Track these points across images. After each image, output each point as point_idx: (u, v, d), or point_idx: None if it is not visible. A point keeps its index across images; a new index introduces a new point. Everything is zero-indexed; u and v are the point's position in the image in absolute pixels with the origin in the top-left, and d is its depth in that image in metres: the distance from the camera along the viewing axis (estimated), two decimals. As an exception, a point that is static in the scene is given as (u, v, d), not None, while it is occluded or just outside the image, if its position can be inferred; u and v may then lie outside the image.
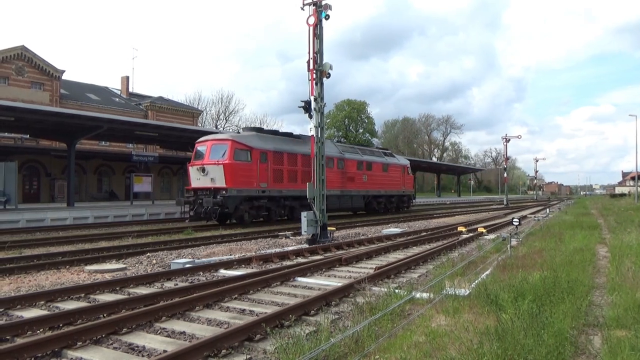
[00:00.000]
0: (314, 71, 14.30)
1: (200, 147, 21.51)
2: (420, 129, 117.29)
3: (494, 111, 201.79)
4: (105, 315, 5.97)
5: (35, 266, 10.06)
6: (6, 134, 36.42)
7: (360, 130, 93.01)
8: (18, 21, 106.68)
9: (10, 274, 9.38)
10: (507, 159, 56.77)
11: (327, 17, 14.45)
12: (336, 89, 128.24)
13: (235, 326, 5.15)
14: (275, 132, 24.97)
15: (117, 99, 52.22)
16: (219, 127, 65.90)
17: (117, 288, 7.78)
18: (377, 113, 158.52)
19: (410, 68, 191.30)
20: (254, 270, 9.45)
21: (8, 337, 5.13)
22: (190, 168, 21.40)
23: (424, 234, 16.87)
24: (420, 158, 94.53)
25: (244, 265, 10.14)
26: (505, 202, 50.14)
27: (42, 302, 6.80)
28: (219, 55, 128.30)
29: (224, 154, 20.32)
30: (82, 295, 7.29)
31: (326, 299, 6.52)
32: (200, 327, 5.59)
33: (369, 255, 11.27)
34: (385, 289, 6.83)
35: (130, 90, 56.79)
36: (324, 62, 14.44)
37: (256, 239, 15.57)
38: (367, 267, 9.76)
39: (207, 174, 20.33)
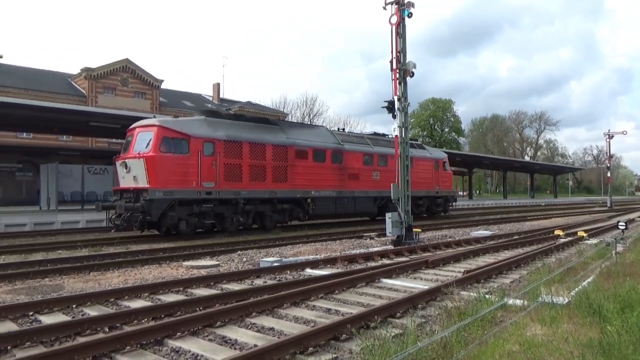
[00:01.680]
0: (397, 70, 14.14)
1: (128, 137, 16.61)
2: (511, 127, 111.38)
3: (596, 105, 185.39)
4: (201, 308, 6.34)
5: (139, 261, 10.96)
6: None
7: (446, 130, 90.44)
8: (122, 36, 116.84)
9: (119, 267, 10.31)
10: (611, 157, 52.04)
11: (410, 15, 14.24)
12: (420, 87, 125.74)
13: (322, 325, 5.24)
14: (238, 117, 20.26)
15: (210, 105, 55.28)
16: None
17: (212, 283, 8.23)
18: (463, 111, 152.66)
19: (501, 62, 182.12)
20: (339, 270, 9.54)
21: (118, 325, 5.64)
22: (115, 163, 16.92)
23: (517, 237, 15.99)
24: (512, 157, 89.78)
25: (329, 265, 10.28)
26: (609, 204, 46.02)
27: (146, 294, 7.38)
28: (303, 58, 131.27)
29: (147, 144, 15.52)
30: (181, 289, 7.82)
31: (412, 302, 6.42)
32: (287, 324, 5.76)
33: (456, 258, 10.92)
34: (475, 294, 6.57)
35: (221, 96, 59.93)
36: (407, 60, 14.23)
37: (341, 240, 15.70)
38: (454, 271, 9.46)
39: (129, 171, 15.74)
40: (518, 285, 8.05)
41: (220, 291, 7.65)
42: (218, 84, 60.34)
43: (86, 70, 44.43)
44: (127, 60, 47.01)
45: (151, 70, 53.81)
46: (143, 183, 15.25)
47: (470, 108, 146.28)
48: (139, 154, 15.53)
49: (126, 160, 15.90)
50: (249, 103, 58.74)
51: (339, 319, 5.47)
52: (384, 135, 26.75)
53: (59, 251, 12.95)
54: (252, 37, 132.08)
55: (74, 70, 47.66)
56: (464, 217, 28.32)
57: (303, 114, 71.66)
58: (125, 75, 46.81)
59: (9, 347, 4.83)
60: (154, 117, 18.44)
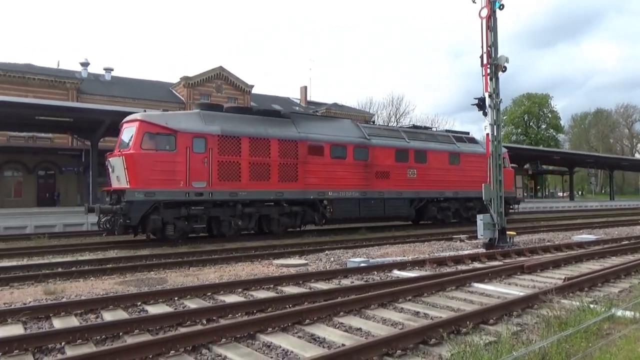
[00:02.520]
0: (488, 66, 13.53)
1: (121, 133, 15.46)
2: (618, 122, 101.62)
3: None
4: (290, 305, 6.54)
5: (233, 258, 11.53)
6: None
7: (543, 126, 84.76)
8: (216, 44, 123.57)
9: (215, 264, 10.93)
10: None
11: (502, 7, 13.57)
12: (514, 83, 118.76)
13: (410, 328, 5.17)
14: (242, 110, 18.05)
15: (297, 107, 56.66)
16: (389, 129, 66.53)
17: (300, 282, 8.44)
18: (563, 106, 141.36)
19: (606, 52, 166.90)
20: (428, 272, 9.34)
21: (214, 318, 5.98)
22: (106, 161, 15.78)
23: (626, 242, 14.58)
24: (619, 155, 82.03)
25: (417, 267, 10.09)
26: None
27: (240, 290, 7.74)
28: (389, 57, 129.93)
29: (129, 140, 14.50)
30: (272, 286, 8.11)
31: (507, 309, 6.11)
32: (375, 325, 5.74)
33: (556, 264, 10.20)
34: (578, 303, 6.10)
35: (308, 98, 61.18)
36: (498, 55, 13.57)
37: (429, 241, 15.34)
38: (553, 277, 8.85)
39: (113, 170, 14.94)
40: (628, 295, 7.34)
41: (309, 290, 7.82)
42: (305, 87, 61.70)
43: (185, 79, 47.60)
44: (220, 67, 49.64)
45: (242, 76, 56.40)
46: (124, 183, 14.25)
47: (571, 103, 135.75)
48: (120, 151, 14.62)
49: (110, 159, 15.06)
50: (335, 104, 59.36)
51: (429, 323, 5.36)
52: (426, 128, 24.66)
53: (163, 247, 14.01)
54: (338, 39, 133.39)
55: (174, 79, 51.33)
56: (565, 220, 26.37)
57: (389, 114, 71.05)
58: (219, 82, 49.48)
59: (120, 334, 5.32)
60: (144, 111, 16.73)
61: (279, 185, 16.42)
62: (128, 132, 14.75)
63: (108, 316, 6.21)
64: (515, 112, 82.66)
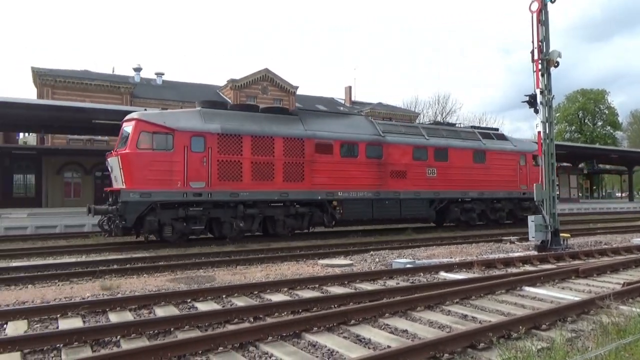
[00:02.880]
0: (539, 61, 13.04)
1: (121, 132, 15.24)
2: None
3: None
4: (335, 306, 6.55)
5: (279, 257, 11.68)
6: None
7: (599, 124, 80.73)
8: (262, 47, 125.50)
9: (262, 262, 11.11)
10: None
11: (553, 0, 13.07)
12: (567, 78, 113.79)
13: (458, 331, 5.06)
14: (247, 107, 17.41)
15: (342, 108, 56.66)
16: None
17: (345, 282, 8.44)
18: (620, 102, 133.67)
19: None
20: (476, 275, 9.12)
21: (261, 316, 6.08)
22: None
23: (693, 246, 13.66)
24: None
25: (465, 269, 9.87)
26: None
27: (285, 289, 7.83)
28: (434, 54, 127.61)
29: (126, 139, 14.32)
30: (317, 285, 8.15)
31: (561, 314, 5.87)
32: (421, 327, 5.66)
33: (614, 268, 9.70)
34: (638, 310, 5.78)
35: (353, 98, 61.05)
36: (550, 50, 13.06)
37: (477, 243, 14.97)
38: (611, 282, 8.42)
39: (112, 171, 14.83)
40: (696, 302, 6.88)
41: (354, 290, 7.81)
42: (350, 87, 61.62)
43: (231, 81, 48.65)
44: (266, 70, 50.38)
45: (287, 78, 57.02)
46: (120, 184, 14.07)
47: (629, 98, 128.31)
48: (116, 151, 14.50)
49: (108, 159, 14.88)
50: (379, 104, 58.95)
51: (477, 326, 5.24)
52: (450, 124, 23.51)
53: (211, 245, 14.37)
54: (381, 39, 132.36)
55: (221, 82, 52.58)
56: (623, 222, 25.04)
57: (435, 112, 69.79)
58: (264, 83, 50.23)
59: (171, 329, 5.51)
60: (145, 110, 16.68)
61: (283, 185, 15.87)
62: (125, 132, 14.57)
63: (160, 312, 6.44)
64: (569, 108, 79.18)
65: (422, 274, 9.27)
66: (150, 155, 13.96)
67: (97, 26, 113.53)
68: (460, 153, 20.24)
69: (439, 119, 63.68)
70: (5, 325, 5.88)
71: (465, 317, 6.11)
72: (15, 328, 5.77)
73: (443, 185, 19.50)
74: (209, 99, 18.20)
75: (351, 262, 11.06)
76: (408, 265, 9.92)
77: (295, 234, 17.06)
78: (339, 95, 62.89)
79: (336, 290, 7.86)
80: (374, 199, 17.70)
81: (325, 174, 16.71)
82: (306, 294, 7.56)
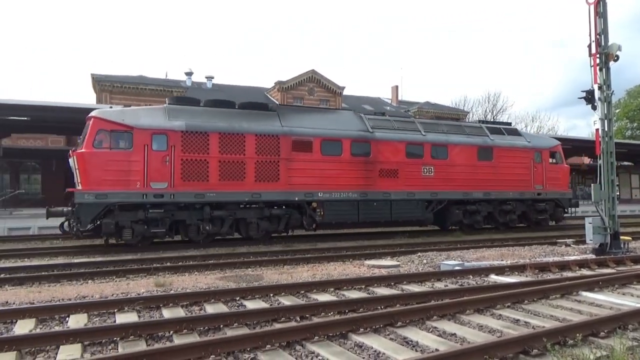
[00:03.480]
0: (597, 55, 12.41)
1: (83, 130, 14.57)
2: None
3: None
4: (382, 307, 6.51)
5: (326, 257, 11.74)
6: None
7: (666, 119, 75.77)
8: (308, 49, 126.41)
9: (308, 262, 11.20)
10: None
11: (616, -10, 12.42)
12: (628, 73, 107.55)
13: (510, 336, 4.91)
14: (223, 103, 15.79)
15: (389, 107, 56.16)
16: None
17: (392, 283, 8.37)
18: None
19: None
20: (529, 278, 8.80)
21: (307, 315, 6.14)
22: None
23: None
24: None
25: (517, 272, 9.55)
26: None
27: (332, 289, 7.86)
28: (484, 51, 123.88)
29: (84, 138, 13.61)
30: (363, 286, 8.13)
31: (621, 321, 5.57)
32: (471, 331, 5.53)
33: (681, 274, 9.09)
34: None
35: (400, 98, 60.41)
36: (609, 43, 12.40)
37: (530, 246, 14.44)
38: (679, 288, 7.90)
39: (73, 171, 13.91)
40: None
41: (401, 292, 7.73)
42: (397, 87, 60.98)
43: (278, 83, 49.32)
44: (312, 71, 50.70)
45: (334, 79, 57.15)
46: (77, 184, 13.40)
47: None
48: (74, 150, 13.77)
49: (69, 159, 13.93)
50: (427, 103, 57.96)
51: (530, 332, 5.06)
52: (457, 120, 21.88)
53: (259, 245, 14.62)
54: (428, 37, 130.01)
55: (268, 84, 53.40)
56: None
57: (485, 111, 67.82)
58: (311, 85, 50.58)
59: (221, 326, 5.65)
60: (111, 107, 15.89)
61: (255, 185, 14.81)
62: (85, 130, 13.80)
63: (210, 309, 6.62)
64: (630, 104, 74.75)
65: (471, 277, 9.05)
66: (107, 154, 13.28)
67: (150, 33, 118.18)
68: (463, 150, 18.57)
69: (489, 117, 61.94)
70: (67, 318, 6.23)
71: (517, 321, 5.92)
72: (77, 321, 6.10)
73: (442, 185, 17.91)
74: (180, 96, 16.64)
75: (398, 263, 10.94)
76: (457, 267, 9.72)
77: (313, 235, 16.50)
78: (386, 95, 62.41)
79: (383, 291, 7.81)
80: (360, 200, 16.38)
81: (303, 173, 15.56)
82: (352, 294, 7.56)
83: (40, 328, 5.89)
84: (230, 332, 5.41)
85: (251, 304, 6.89)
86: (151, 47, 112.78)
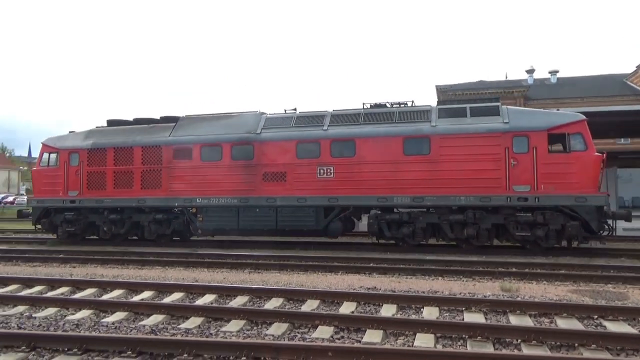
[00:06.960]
0: None
1: None
2: None
3: None
4: None
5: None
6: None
7: None
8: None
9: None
10: None
11: None
12: None
13: None
14: (141, 121, 17.61)
15: None
16: None
17: None
18: None
19: None
20: None
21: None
22: None
23: None
24: None
25: None
26: None
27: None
28: None
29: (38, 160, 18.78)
30: None
31: None
32: None
33: None
34: None
35: None
36: None
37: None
38: None
39: None
40: None
41: None
42: None
43: (642, 66, 41.00)
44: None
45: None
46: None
47: None
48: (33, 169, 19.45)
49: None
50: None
51: None
52: (379, 105, 15.42)
53: (622, 258, 12.54)
54: None
55: (628, 69, 45.08)
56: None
57: None
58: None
59: (575, 344, 5.15)
60: (73, 132, 19.30)
61: (141, 192, 16.42)
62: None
63: (561, 323, 6.14)
64: None
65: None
66: (45, 170, 17.79)
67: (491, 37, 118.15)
68: (379, 143, 14.42)
69: None
70: (422, 309, 6.94)
71: None
72: (429, 313, 6.72)
73: (344, 188, 14.57)
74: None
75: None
76: None
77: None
78: None
79: None
80: (241, 207, 15.35)
81: (183, 179, 16.03)
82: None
83: (400, 314, 6.77)
84: (587, 354, 4.88)
85: (612, 326, 6.00)
86: (490, 51, 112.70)
